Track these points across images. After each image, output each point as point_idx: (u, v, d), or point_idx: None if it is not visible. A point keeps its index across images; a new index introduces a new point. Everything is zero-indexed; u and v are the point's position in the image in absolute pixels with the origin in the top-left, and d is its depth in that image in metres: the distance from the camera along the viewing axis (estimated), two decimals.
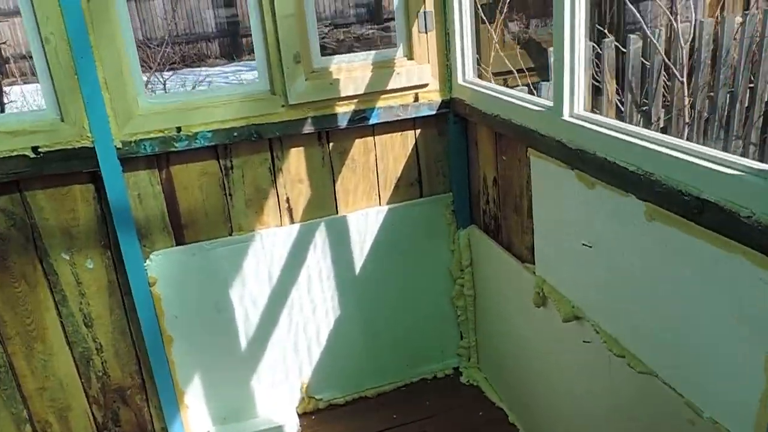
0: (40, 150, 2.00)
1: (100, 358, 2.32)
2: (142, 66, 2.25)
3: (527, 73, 4.56)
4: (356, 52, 2.37)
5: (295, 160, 2.33)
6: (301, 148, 2.33)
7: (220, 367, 2.42)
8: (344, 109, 2.29)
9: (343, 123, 2.30)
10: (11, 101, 7.22)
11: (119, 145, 2.07)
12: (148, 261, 2.24)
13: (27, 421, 2.31)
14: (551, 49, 2.35)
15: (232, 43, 12.67)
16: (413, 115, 2.39)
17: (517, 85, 4.38)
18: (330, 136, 2.35)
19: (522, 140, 2.00)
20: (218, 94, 2.19)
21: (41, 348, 2.25)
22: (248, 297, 2.38)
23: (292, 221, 2.39)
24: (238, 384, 2.47)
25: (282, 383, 2.53)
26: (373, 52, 2.37)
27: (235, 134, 2.18)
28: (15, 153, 1.98)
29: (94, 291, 2.24)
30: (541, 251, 2.02)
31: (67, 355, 2.28)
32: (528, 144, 1.95)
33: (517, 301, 2.24)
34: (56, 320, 2.23)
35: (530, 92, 3.69)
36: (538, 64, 5.61)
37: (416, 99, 2.38)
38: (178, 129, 2.11)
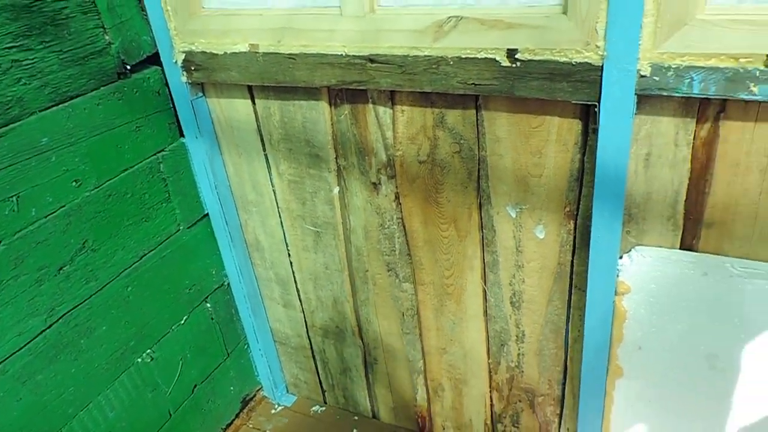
0: (517, 56, 1.23)
1: (518, 347, 1.67)
2: None
3: None
4: None
5: None
6: None
7: None
8: None
9: None
10: None
11: (645, 71, 1.14)
12: (626, 257, 1.38)
13: (421, 373, 1.89)
14: None
15: None
16: None
17: None
18: None
19: None
20: None
21: (453, 308, 1.70)
22: None
23: None
24: None
25: None
26: None
27: None
28: (482, 54, 1.26)
29: (534, 268, 1.52)
30: None
31: (479, 327, 1.70)
32: None
33: None
34: (478, 285, 1.63)
35: None
36: None
37: None
38: None
